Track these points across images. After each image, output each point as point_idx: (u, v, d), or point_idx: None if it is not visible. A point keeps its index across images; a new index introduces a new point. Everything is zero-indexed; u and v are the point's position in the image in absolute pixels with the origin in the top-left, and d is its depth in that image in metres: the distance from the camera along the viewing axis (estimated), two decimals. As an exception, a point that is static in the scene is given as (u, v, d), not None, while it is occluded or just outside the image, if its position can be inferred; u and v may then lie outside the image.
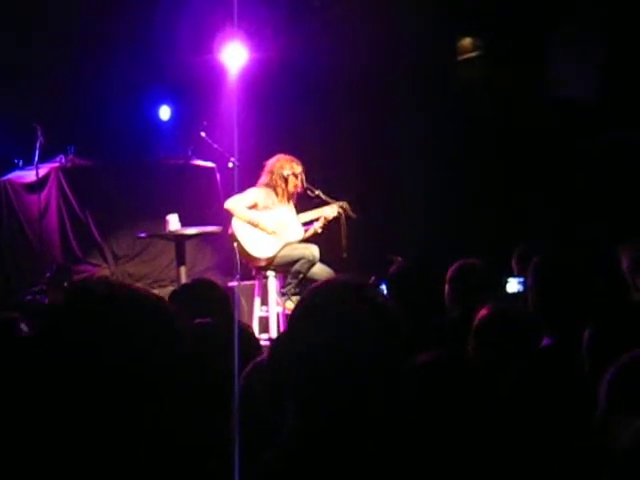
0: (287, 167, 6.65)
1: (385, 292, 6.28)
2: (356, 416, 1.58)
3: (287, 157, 6.71)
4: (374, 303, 1.65)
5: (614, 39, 7.63)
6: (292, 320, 1.70)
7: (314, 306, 1.66)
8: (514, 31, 7.93)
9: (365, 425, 1.58)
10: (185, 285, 3.87)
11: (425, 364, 2.27)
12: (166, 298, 3.65)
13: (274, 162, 6.70)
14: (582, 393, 2.05)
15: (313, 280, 6.60)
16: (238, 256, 6.60)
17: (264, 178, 6.71)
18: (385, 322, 1.63)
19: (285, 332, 1.74)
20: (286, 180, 6.64)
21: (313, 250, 6.64)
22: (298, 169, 6.68)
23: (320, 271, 6.65)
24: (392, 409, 1.61)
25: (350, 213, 6.73)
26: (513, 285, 4.55)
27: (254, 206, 6.64)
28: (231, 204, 6.61)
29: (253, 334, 3.32)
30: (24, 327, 3.35)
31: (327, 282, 1.78)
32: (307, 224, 6.83)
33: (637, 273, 4.08)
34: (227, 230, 6.71)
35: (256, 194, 6.68)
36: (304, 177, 6.70)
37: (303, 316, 1.67)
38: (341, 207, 6.72)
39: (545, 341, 2.68)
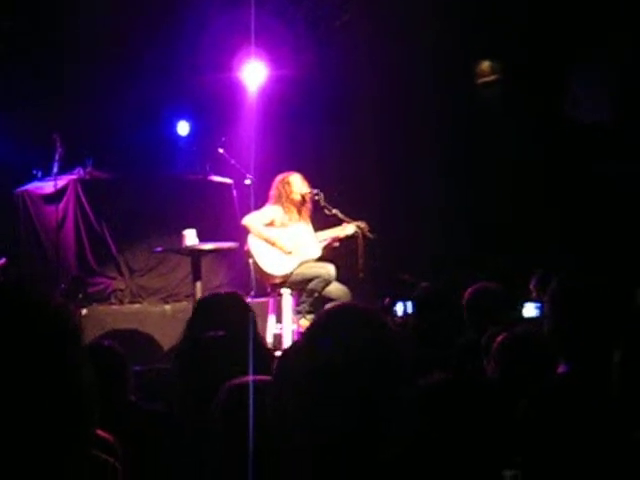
0: (282, 181, 6.72)
1: (399, 313, 6.30)
2: (356, 437, 1.58)
3: (280, 176, 6.80)
4: (380, 330, 1.66)
5: (630, 64, 7.65)
6: (303, 338, 1.71)
7: (326, 327, 1.67)
8: (532, 55, 7.97)
9: (366, 446, 1.58)
10: (212, 295, 3.77)
11: (440, 384, 2.27)
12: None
13: (273, 185, 6.79)
14: (601, 420, 2.04)
15: (329, 299, 6.60)
16: (253, 273, 6.60)
17: (270, 201, 6.77)
18: (388, 349, 1.64)
19: (293, 349, 1.75)
20: (287, 193, 6.70)
21: (329, 269, 6.65)
22: (295, 177, 6.72)
23: (336, 290, 6.65)
24: (393, 430, 1.61)
25: (367, 233, 6.73)
26: (530, 310, 4.54)
27: (271, 223, 6.68)
28: (249, 221, 6.65)
29: (269, 350, 3.33)
30: None
31: (341, 306, 1.80)
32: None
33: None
34: (243, 246, 6.73)
35: (273, 211, 6.72)
36: (322, 195, 6.73)
37: (314, 336, 1.68)
38: (359, 227, 6.73)
39: (561, 368, 2.65)
